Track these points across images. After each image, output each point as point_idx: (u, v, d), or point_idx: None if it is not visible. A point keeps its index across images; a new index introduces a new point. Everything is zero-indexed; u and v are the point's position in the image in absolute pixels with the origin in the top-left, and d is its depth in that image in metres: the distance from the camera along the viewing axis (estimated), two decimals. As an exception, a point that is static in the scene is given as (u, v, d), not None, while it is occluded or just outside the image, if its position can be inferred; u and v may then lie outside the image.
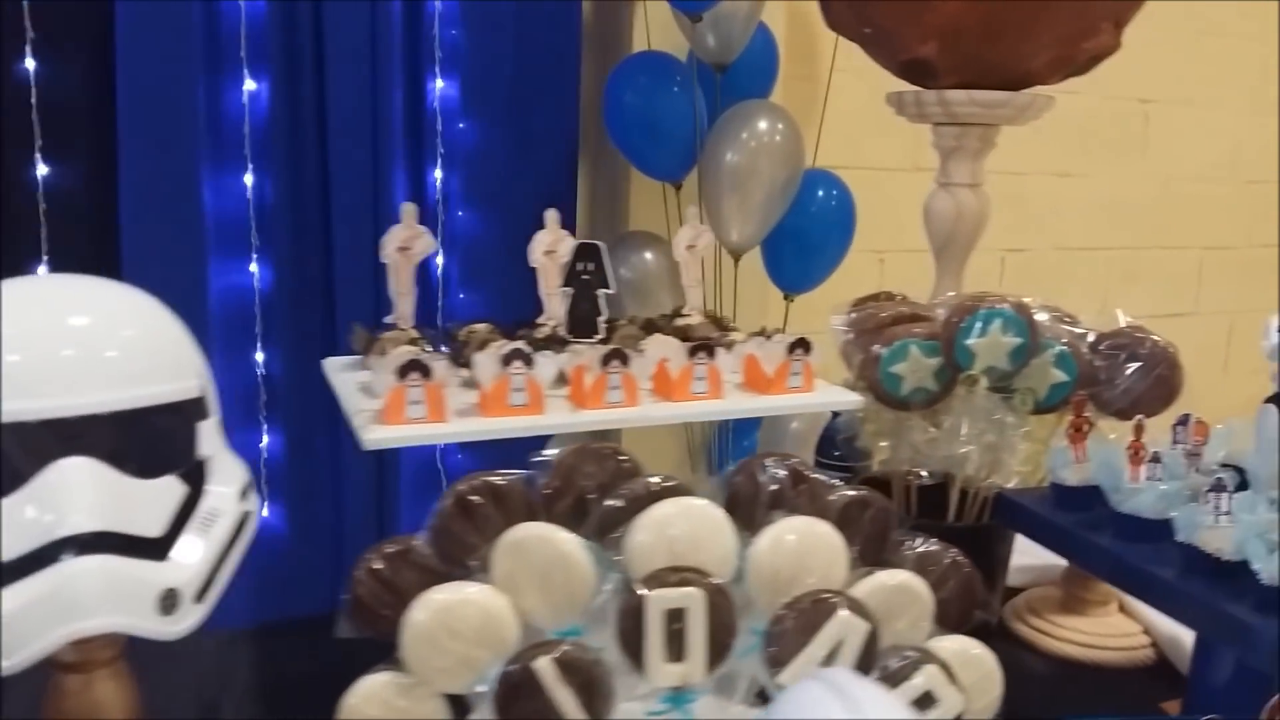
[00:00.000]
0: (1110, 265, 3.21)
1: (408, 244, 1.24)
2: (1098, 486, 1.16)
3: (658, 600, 0.89)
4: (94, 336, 0.89)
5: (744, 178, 2.10)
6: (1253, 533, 0.96)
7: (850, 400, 1.25)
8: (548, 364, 1.13)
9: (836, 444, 1.44)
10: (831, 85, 2.36)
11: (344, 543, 2.13)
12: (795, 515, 0.98)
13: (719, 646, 0.91)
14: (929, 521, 1.32)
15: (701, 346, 1.17)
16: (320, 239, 2.07)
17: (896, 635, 0.98)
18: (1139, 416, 1.15)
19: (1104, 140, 3.11)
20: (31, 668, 0.81)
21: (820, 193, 2.26)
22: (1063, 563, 1.38)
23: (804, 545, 0.97)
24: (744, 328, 2.21)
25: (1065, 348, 1.30)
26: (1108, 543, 1.11)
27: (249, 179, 2.01)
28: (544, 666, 0.87)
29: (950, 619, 1.03)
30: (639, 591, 0.89)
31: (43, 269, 1.86)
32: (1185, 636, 1.25)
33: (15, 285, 0.89)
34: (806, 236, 2.27)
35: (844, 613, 0.92)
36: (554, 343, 1.23)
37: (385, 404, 1.05)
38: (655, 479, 0.99)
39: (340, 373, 1.24)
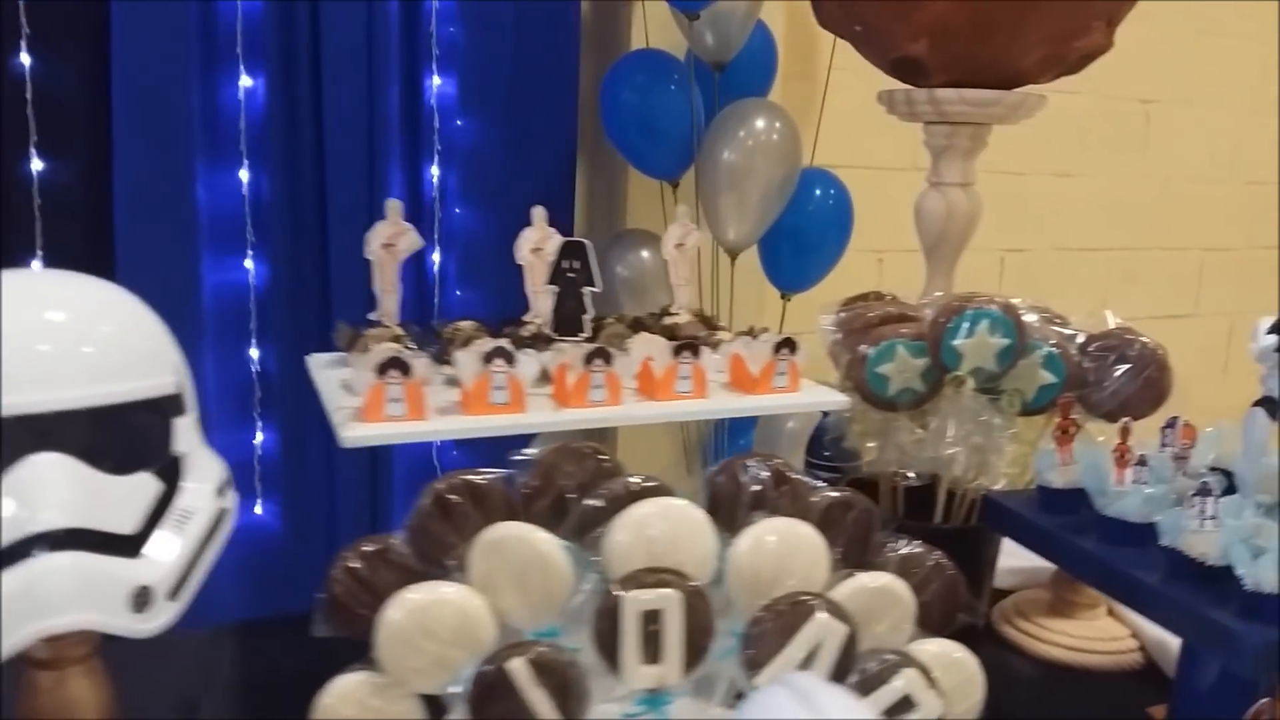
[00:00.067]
0: (1110, 266, 3.20)
1: (392, 240, 1.23)
2: (1084, 489, 1.15)
3: (633, 601, 0.88)
4: (70, 332, 0.89)
5: (741, 176, 2.10)
6: (1237, 537, 0.95)
7: (836, 400, 1.25)
8: (530, 362, 1.13)
9: (824, 444, 1.43)
10: (830, 84, 2.35)
11: (337, 539, 2.12)
12: (777, 516, 0.97)
13: (696, 649, 0.90)
14: (916, 523, 1.32)
15: (686, 346, 1.16)
16: (316, 236, 2.07)
17: (877, 638, 0.97)
18: (1125, 419, 1.13)
19: (1104, 140, 3.10)
20: (5, 664, 0.81)
21: (818, 192, 2.26)
22: (1051, 565, 1.37)
23: (785, 547, 0.96)
24: (740, 327, 2.22)
25: (1053, 349, 1.29)
26: (1092, 546, 1.10)
27: (244, 175, 2.01)
28: (518, 668, 0.86)
29: (933, 622, 1.02)
30: (614, 592, 0.89)
31: (37, 264, 1.85)
32: (1173, 640, 1.24)
33: (-8, 281, 0.89)
34: (804, 236, 2.26)
35: (822, 615, 0.91)
36: (539, 341, 1.22)
37: (365, 401, 1.04)
38: (635, 479, 0.98)
39: (323, 369, 1.24)
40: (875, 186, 2.34)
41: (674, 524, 0.94)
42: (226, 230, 2.03)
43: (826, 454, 1.45)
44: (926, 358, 1.27)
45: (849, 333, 1.32)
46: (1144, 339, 1.33)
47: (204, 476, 0.98)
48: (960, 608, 1.05)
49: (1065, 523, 1.15)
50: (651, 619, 0.89)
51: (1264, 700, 1.00)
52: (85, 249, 1.91)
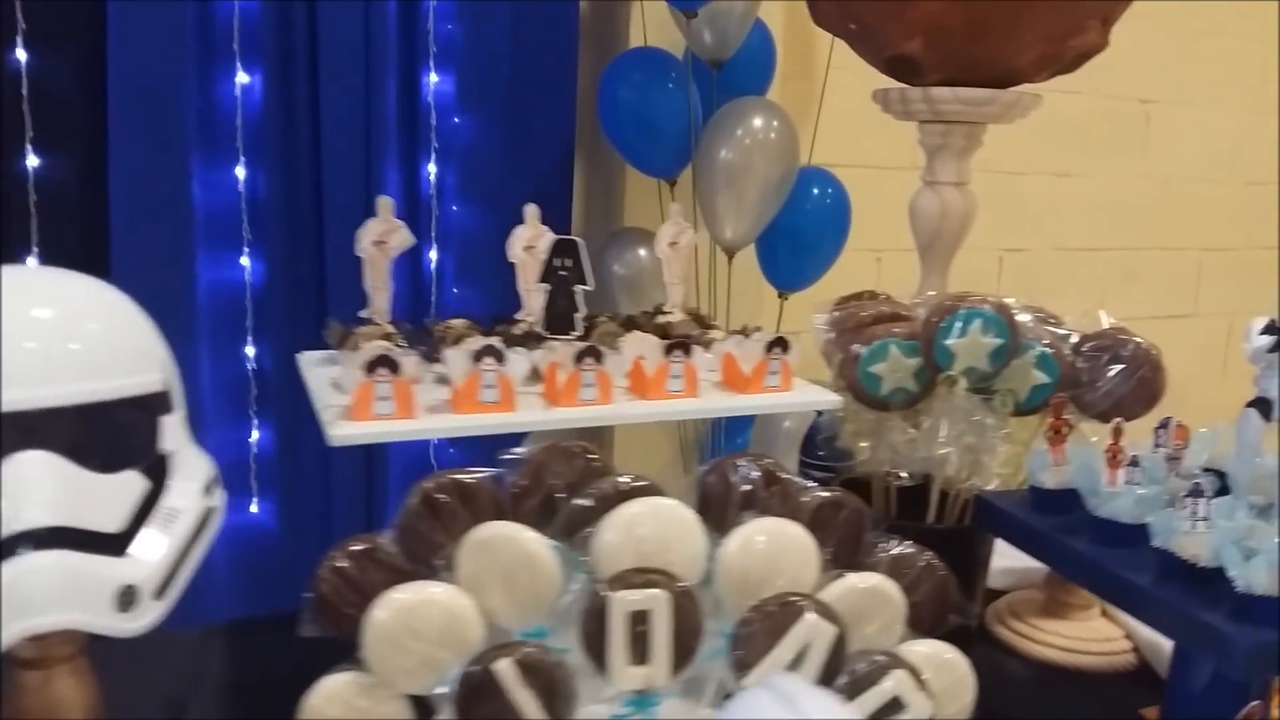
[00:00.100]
0: (1109, 266, 3.19)
1: (384, 238, 1.23)
2: (1076, 490, 1.14)
3: (621, 602, 0.88)
4: (58, 329, 0.88)
5: (738, 175, 2.10)
6: (1229, 539, 0.95)
7: (829, 400, 1.24)
8: (520, 361, 1.12)
9: (818, 444, 1.42)
10: (829, 83, 2.35)
11: (332, 537, 2.12)
12: (767, 516, 0.97)
13: (684, 649, 0.90)
14: (909, 523, 1.31)
15: (678, 344, 1.16)
16: (312, 233, 2.07)
17: (867, 639, 0.96)
18: (1117, 419, 1.13)
19: (1104, 140, 3.10)
20: (-4, 664, 0.81)
21: (815, 190, 2.25)
22: (1045, 566, 1.36)
23: (774, 547, 0.95)
24: (737, 326, 2.22)
25: (1047, 349, 1.29)
26: (1084, 547, 1.09)
27: (240, 172, 2.01)
28: (504, 668, 0.85)
29: (924, 623, 1.01)
30: (602, 593, 0.88)
31: (32, 260, 1.85)
32: (1166, 642, 1.23)
33: (-21, 278, 0.88)
34: (801, 235, 2.26)
35: (811, 616, 0.90)
36: (531, 339, 1.22)
37: (353, 400, 1.04)
38: (625, 478, 0.98)
39: (314, 368, 1.23)
40: (874, 185, 2.34)
41: (663, 524, 0.93)
42: (222, 227, 2.02)
43: (821, 453, 1.45)
44: (919, 357, 1.27)
45: (842, 332, 1.31)
46: (1137, 339, 1.33)
47: (191, 475, 0.97)
48: (951, 609, 1.04)
49: (1057, 523, 1.15)
50: (639, 619, 0.88)
51: (1256, 702, 1.00)
52: (80, 245, 1.91)
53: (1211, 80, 3.18)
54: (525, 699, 0.86)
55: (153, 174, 1.90)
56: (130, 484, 0.91)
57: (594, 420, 1.13)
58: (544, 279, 1.17)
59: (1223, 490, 1.08)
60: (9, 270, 0.89)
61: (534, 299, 1.25)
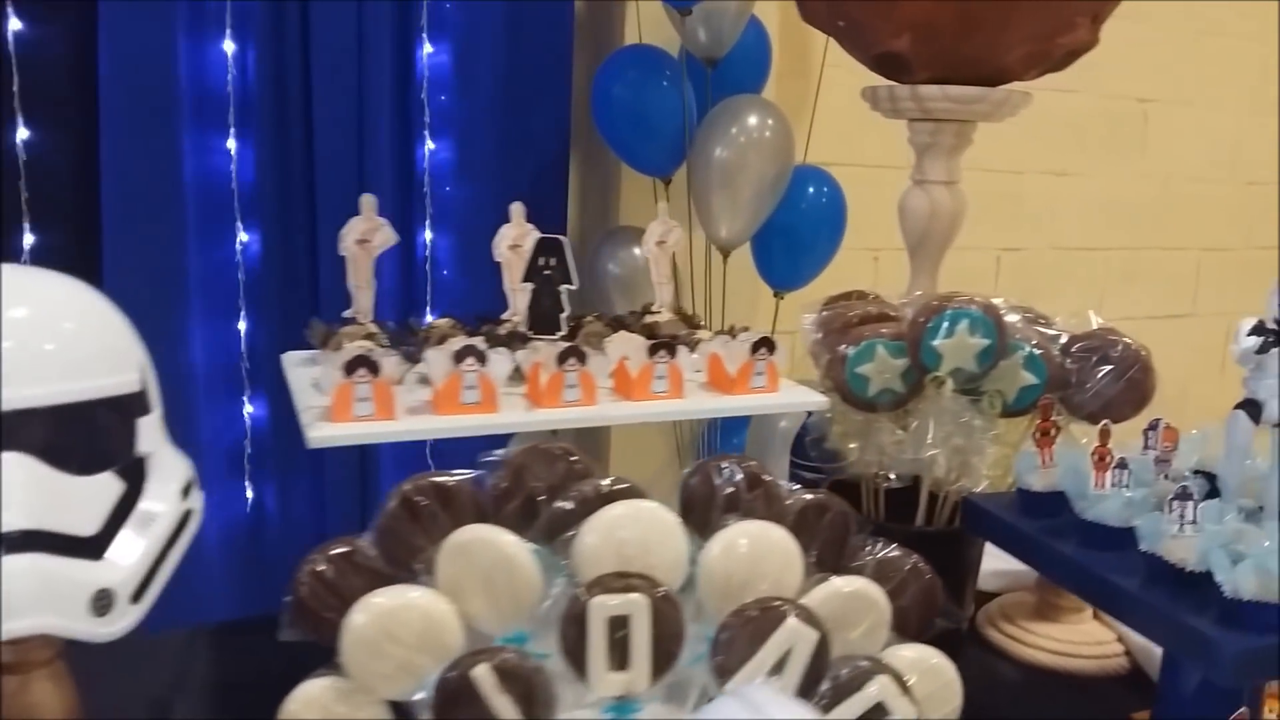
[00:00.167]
0: (1108, 265, 3.19)
1: (367, 236, 1.22)
2: (1064, 492, 1.13)
3: (600, 607, 0.87)
4: (32, 329, 0.87)
5: (733, 173, 2.10)
6: (1216, 543, 0.94)
7: (815, 401, 1.23)
8: (502, 361, 1.11)
9: (806, 445, 1.41)
10: (824, 81, 2.34)
11: (327, 535, 2.12)
12: (750, 519, 0.96)
13: (664, 655, 0.89)
14: (898, 525, 1.30)
15: (662, 345, 1.15)
16: (305, 212, 2.06)
17: (851, 644, 0.95)
18: (1104, 421, 1.12)
19: (1102, 140, 3.09)
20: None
21: (811, 189, 2.25)
22: (1035, 568, 1.36)
23: (757, 550, 0.94)
24: (734, 325, 2.21)
25: (1035, 350, 1.27)
26: (1071, 551, 1.08)
27: (232, 146, 2.01)
28: (482, 674, 0.84)
29: (910, 627, 1.00)
30: (581, 598, 0.87)
31: (27, 237, 1.85)
32: (1158, 645, 1.22)
33: (-48, 278, 0.88)
34: (796, 234, 2.26)
35: (792, 621, 0.89)
36: (516, 339, 1.21)
37: (332, 401, 1.03)
38: (606, 481, 0.97)
39: (297, 367, 1.22)
40: (870, 184, 2.33)
41: (645, 527, 0.92)
42: (215, 204, 2.03)
43: (812, 455, 1.44)
44: (906, 358, 1.26)
45: (829, 332, 1.30)
46: (1127, 340, 1.32)
47: (169, 477, 0.96)
48: (938, 612, 1.03)
49: (1045, 526, 1.14)
50: (619, 625, 0.87)
51: (1243, 709, 0.99)
52: (72, 221, 1.91)
53: (1210, 80, 3.17)
54: (503, 705, 0.84)
55: (144, 149, 1.90)
56: (106, 486, 0.90)
57: (577, 421, 1.12)
58: (528, 278, 1.16)
59: (1213, 493, 1.07)
60: (-17, 271, 0.88)
61: (519, 298, 1.24)
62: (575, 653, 0.88)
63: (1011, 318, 1.28)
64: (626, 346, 1.16)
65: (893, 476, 1.30)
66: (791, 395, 1.22)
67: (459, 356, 1.06)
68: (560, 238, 1.17)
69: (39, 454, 0.84)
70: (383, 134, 2.13)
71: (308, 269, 2.06)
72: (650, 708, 0.90)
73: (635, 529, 0.91)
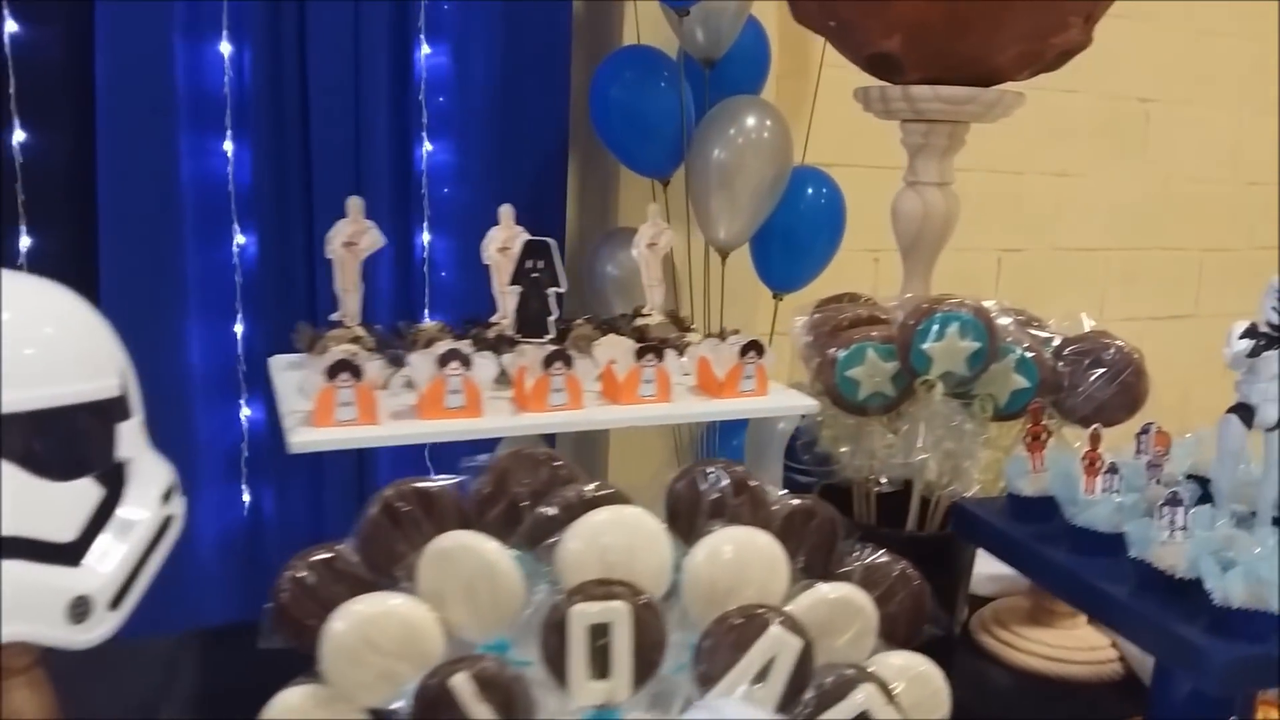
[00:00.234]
0: (1109, 266, 3.18)
1: (354, 239, 1.21)
2: (1055, 497, 1.12)
3: (580, 615, 0.85)
4: (11, 334, 0.86)
5: (731, 175, 2.09)
6: (1207, 549, 0.93)
7: (804, 405, 1.22)
8: (487, 365, 1.10)
9: (796, 450, 1.40)
10: (824, 81, 2.33)
11: (323, 532, 2.12)
12: (735, 525, 0.95)
13: (646, 663, 0.87)
14: (889, 530, 1.29)
15: (649, 348, 1.14)
16: (302, 211, 2.05)
17: (837, 651, 0.94)
18: (1095, 425, 1.11)
19: (1104, 140, 3.08)
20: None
21: (810, 190, 2.25)
22: (1028, 573, 1.34)
23: (742, 557, 0.93)
24: (731, 326, 2.20)
25: (1027, 353, 1.26)
26: (1062, 557, 1.07)
27: (229, 148, 2.00)
28: (461, 683, 0.83)
29: (899, 634, 0.99)
30: (561, 605, 0.86)
31: (24, 239, 1.84)
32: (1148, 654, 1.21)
33: (-67, 283, 0.87)
34: (795, 235, 2.26)
35: (776, 629, 0.88)
36: (503, 342, 1.20)
37: (315, 405, 1.02)
38: (590, 486, 0.96)
39: (283, 371, 1.22)
40: (871, 185, 2.31)
41: (629, 533, 0.91)
42: (212, 204, 2.03)
43: (804, 458, 1.43)
44: (896, 361, 1.25)
45: (819, 335, 1.29)
46: (1119, 342, 1.31)
47: (149, 482, 0.96)
48: (927, 619, 1.02)
49: (1035, 532, 1.12)
50: (599, 633, 0.86)
51: (1232, 718, 0.98)
52: (69, 221, 1.91)
53: (1211, 80, 3.16)
54: (482, 713, 0.83)
55: (141, 151, 1.90)
56: (85, 492, 0.89)
57: (562, 425, 1.11)
58: (515, 281, 1.15)
59: (1206, 498, 1.06)
60: (-41, 276, 0.88)
61: (508, 301, 1.23)
62: (556, 661, 0.86)
63: (1003, 320, 1.27)
64: (614, 350, 1.16)
65: (884, 480, 1.29)
66: (780, 399, 1.21)
67: (443, 360, 1.05)
68: (548, 240, 1.16)
69: (17, 459, 0.83)
70: (380, 135, 2.12)
71: (305, 271, 2.06)
72: (632, 716, 0.90)
73: (619, 535, 0.90)
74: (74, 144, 1.89)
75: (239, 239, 2.04)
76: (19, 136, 1.83)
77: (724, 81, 2.17)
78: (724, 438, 2.38)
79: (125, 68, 1.86)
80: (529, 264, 1.15)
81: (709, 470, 1.00)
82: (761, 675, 0.88)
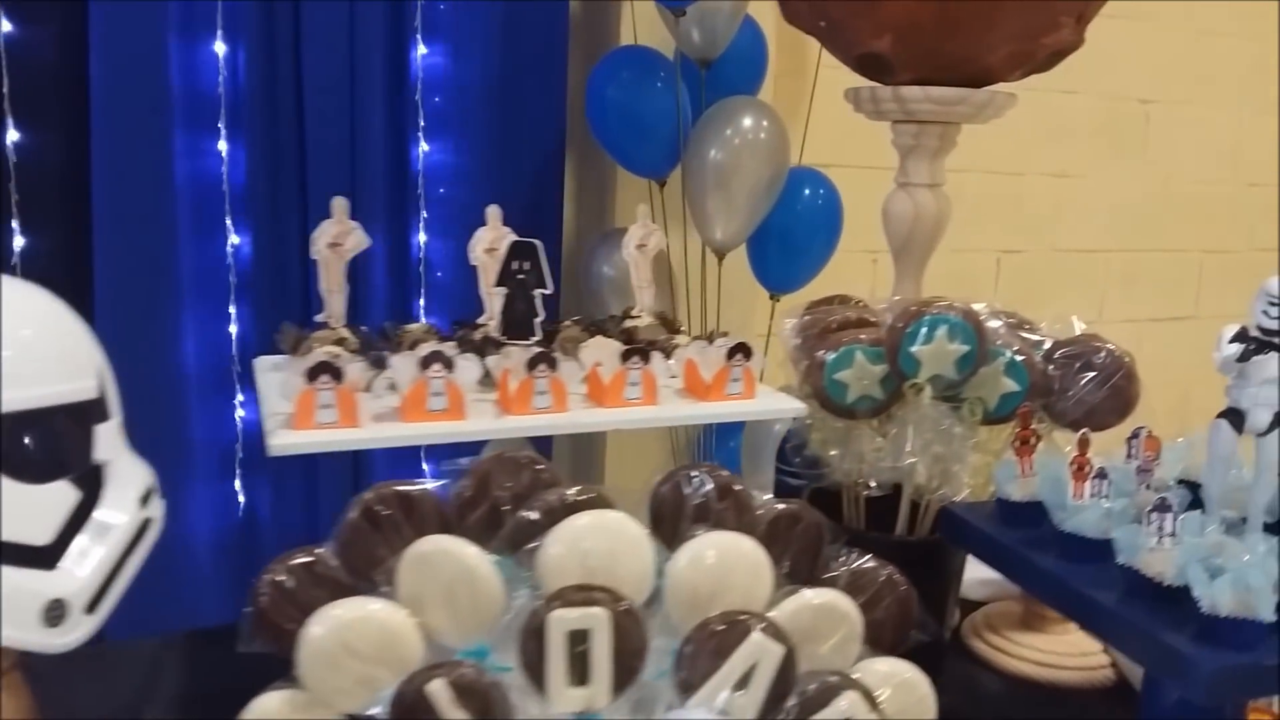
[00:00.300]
0: (1109, 268, 3.17)
1: (339, 240, 1.20)
2: (1044, 502, 1.11)
3: (559, 621, 0.85)
4: (-12, 336, 0.86)
5: (728, 175, 2.09)
6: (1195, 556, 0.91)
7: (792, 408, 1.21)
8: (470, 367, 1.09)
9: (786, 453, 1.39)
10: (821, 81, 2.32)
11: (319, 532, 2.11)
12: (719, 529, 0.94)
13: (626, 670, 0.87)
14: (877, 534, 1.28)
15: (635, 350, 1.13)
16: (298, 217, 2.05)
17: (821, 658, 0.93)
18: (1084, 430, 1.09)
19: (1103, 141, 3.07)
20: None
21: (806, 191, 2.24)
22: (1019, 578, 1.33)
23: (725, 562, 0.92)
24: (728, 328, 2.19)
25: (1017, 356, 1.25)
26: (1049, 563, 1.05)
27: (223, 146, 2.00)
28: (437, 689, 0.82)
29: (885, 640, 0.98)
30: (540, 611, 0.85)
31: (17, 239, 1.84)
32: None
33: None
34: (791, 236, 2.25)
35: (757, 635, 0.87)
36: (490, 344, 1.19)
37: (295, 408, 1.01)
38: (572, 490, 0.95)
39: (268, 373, 1.21)
40: (869, 186, 2.30)
41: (611, 538, 0.90)
42: (206, 201, 2.03)
43: (796, 461, 1.42)
44: (885, 364, 1.24)
45: (808, 338, 1.28)
46: (1110, 346, 1.29)
47: (126, 485, 0.95)
48: (914, 625, 1.01)
49: (1024, 537, 1.11)
50: (579, 639, 0.85)
51: (1223, 728, 0.97)
52: (62, 220, 1.91)
53: (1211, 80, 3.15)
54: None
55: (136, 151, 1.90)
56: (61, 494, 0.88)
57: (546, 429, 1.10)
58: (500, 282, 1.14)
59: (1197, 503, 1.05)
60: (-64, 279, 0.87)
61: (494, 303, 1.22)
62: (535, 667, 0.86)
63: (993, 323, 1.25)
64: (600, 352, 1.15)
65: (873, 484, 1.28)
66: (767, 402, 1.20)
67: (425, 363, 1.04)
68: (534, 241, 1.15)
69: (-7, 462, 0.82)
70: (376, 136, 2.12)
71: (299, 271, 2.05)
72: (613, 722, 0.89)
73: (601, 540, 0.89)
74: (68, 143, 1.89)
75: (233, 238, 2.03)
76: (13, 135, 1.83)
77: (721, 82, 2.17)
78: (720, 440, 2.37)
79: (119, 67, 1.85)
80: (515, 265, 1.14)
81: (693, 474, 0.99)
82: (743, 682, 0.87)
